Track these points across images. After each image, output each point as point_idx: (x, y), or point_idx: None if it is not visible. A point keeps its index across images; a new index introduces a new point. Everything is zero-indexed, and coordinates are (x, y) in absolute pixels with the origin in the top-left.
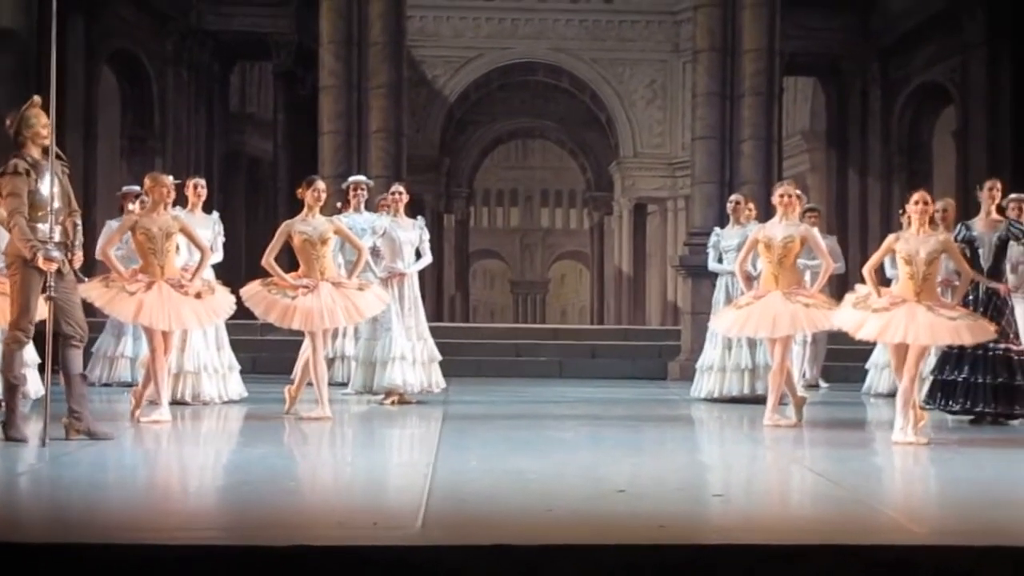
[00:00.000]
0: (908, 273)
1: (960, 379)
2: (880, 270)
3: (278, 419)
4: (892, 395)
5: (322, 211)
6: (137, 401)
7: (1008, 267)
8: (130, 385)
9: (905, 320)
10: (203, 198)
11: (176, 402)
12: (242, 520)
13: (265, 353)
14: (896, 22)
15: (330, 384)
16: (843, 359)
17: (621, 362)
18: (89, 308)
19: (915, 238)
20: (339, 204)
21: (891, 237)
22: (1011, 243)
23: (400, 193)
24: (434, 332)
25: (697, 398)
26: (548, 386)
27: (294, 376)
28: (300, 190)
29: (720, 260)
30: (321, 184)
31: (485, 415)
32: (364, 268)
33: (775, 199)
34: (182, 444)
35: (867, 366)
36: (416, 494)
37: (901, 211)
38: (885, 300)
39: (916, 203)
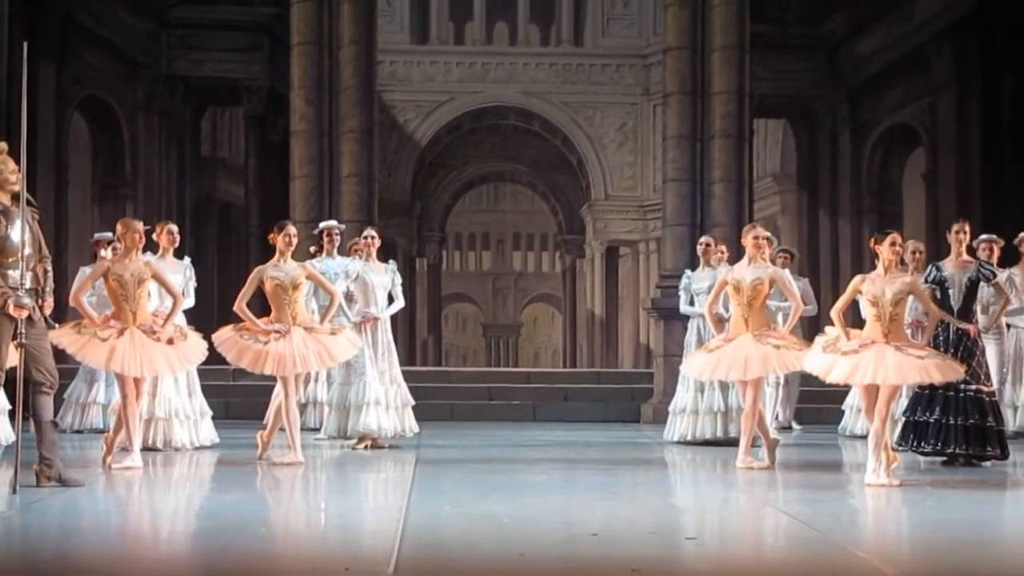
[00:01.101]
0: (874, 315)
1: (932, 420)
2: (856, 310)
3: (250, 464)
4: (866, 437)
5: (294, 256)
6: (108, 447)
7: (978, 308)
8: (102, 431)
9: (874, 361)
10: (175, 243)
11: (147, 448)
12: (214, 567)
13: (237, 398)
14: (865, 63)
15: (303, 429)
16: (816, 400)
17: (594, 405)
18: (61, 354)
19: (881, 279)
20: (311, 249)
21: (857, 279)
22: (981, 284)
23: (372, 237)
24: (407, 376)
25: (670, 441)
26: (521, 430)
27: (266, 421)
28: (272, 235)
29: (691, 303)
30: (293, 229)
31: (458, 459)
32: (337, 312)
33: (745, 241)
34: (153, 490)
35: (843, 407)
36: (389, 539)
37: (873, 248)
38: (854, 343)
39: (892, 244)
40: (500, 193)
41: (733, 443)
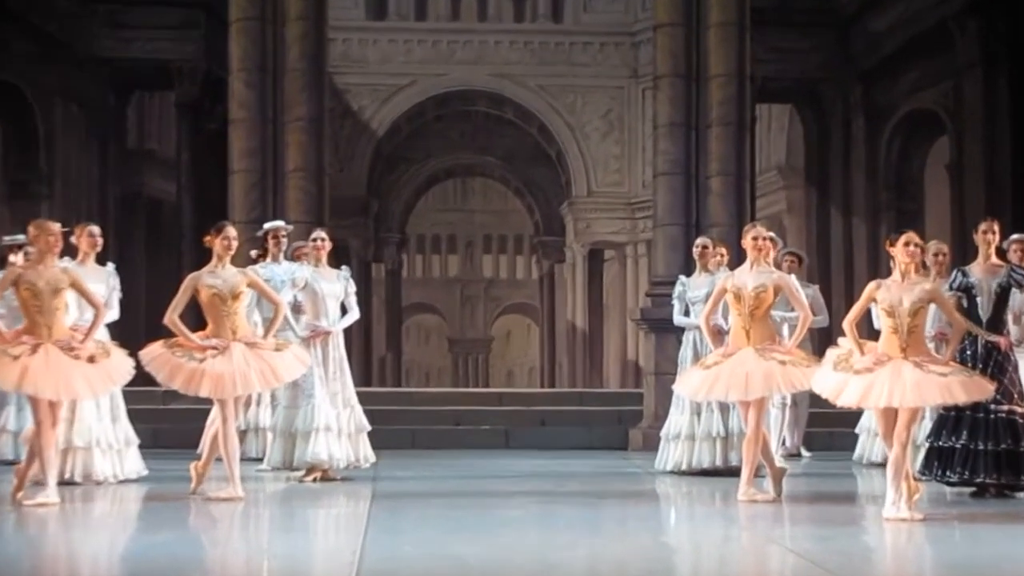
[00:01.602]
0: (891, 326)
1: (959, 446)
2: (869, 321)
3: (183, 500)
4: (885, 464)
5: (233, 261)
6: (20, 481)
7: (1010, 318)
8: (12, 463)
9: (890, 381)
10: (97, 247)
11: (65, 482)
12: None
13: (167, 425)
14: (880, 41)
15: (243, 459)
16: (828, 424)
17: (575, 430)
18: None
19: (898, 286)
20: (254, 253)
21: (872, 285)
22: (1013, 290)
23: (322, 240)
24: (362, 398)
25: (663, 471)
26: (492, 458)
27: (201, 450)
28: (208, 237)
29: (687, 313)
30: (232, 231)
31: (420, 492)
32: (282, 326)
33: (746, 242)
34: (71, 530)
35: (857, 431)
36: None
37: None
38: (868, 359)
39: (906, 245)
40: (468, 189)
41: (734, 473)
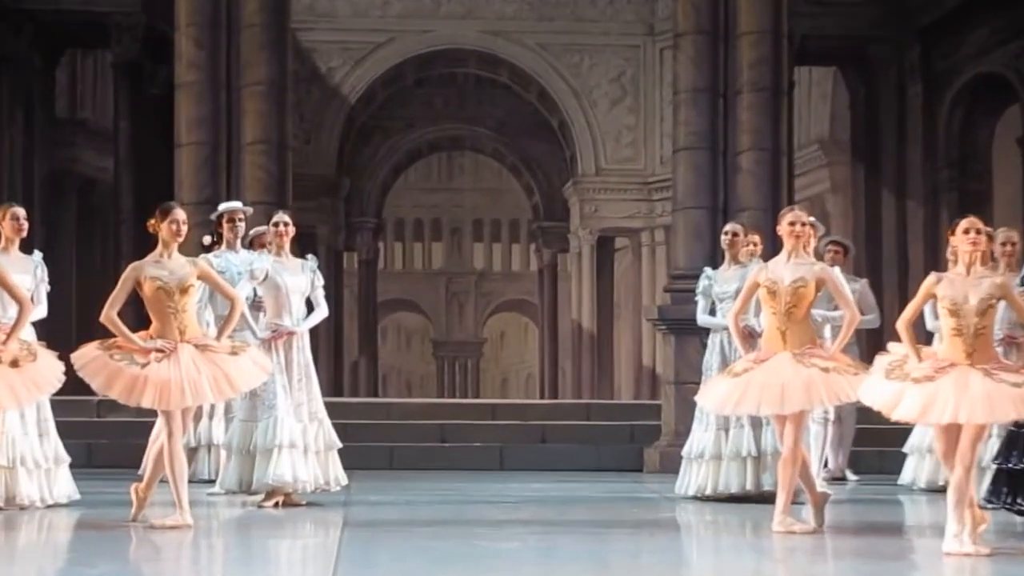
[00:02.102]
0: (954, 328)
1: None
2: (923, 322)
3: (122, 528)
4: (941, 490)
5: (182, 249)
6: None
7: None
8: None
9: (954, 392)
10: (21, 233)
11: None
12: None
13: (104, 440)
14: None
15: (193, 481)
16: (878, 442)
17: (582, 449)
18: None
19: (963, 280)
20: (206, 240)
21: (931, 279)
22: None
23: (285, 225)
24: (332, 410)
25: (684, 496)
26: (484, 481)
27: (143, 471)
28: (152, 222)
29: (712, 311)
30: (180, 213)
31: (399, 521)
32: (239, 325)
33: (782, 229)
34: None
35: (906, 450)
36: None
37: (949, 244)
38: (927, 365)
39: (965, 232)
40: (456, 166)
41: (768, 499)
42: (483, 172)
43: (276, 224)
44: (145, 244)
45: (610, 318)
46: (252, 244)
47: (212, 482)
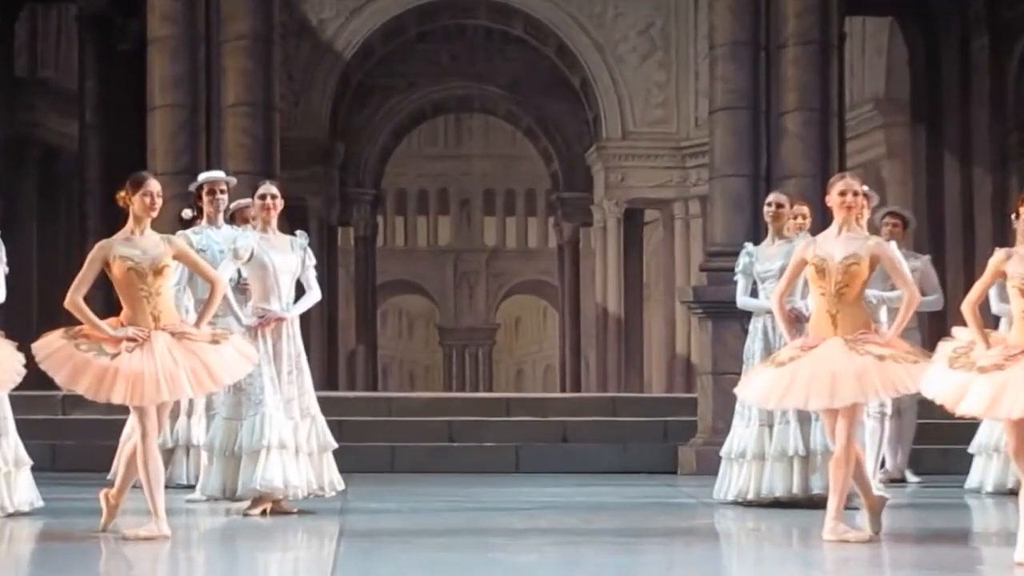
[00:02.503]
0: None
1: None
2: (986, 305)
3: (90, 540)
4: (1012, 492)
5: (156, 225)
6: None
7: None
8: None
9: None
10: None
11: None
12: None
13: (70, 441)
14: None
15: (170, 486)
16: (941, 439)
17: (608, 449)
18: None
19: None
20: (185, 214)
21: (999, 255)
22: None
23: (273, 197)
24: (326, 406)
25: (723, 501)
26: (497, 485)
27: (114, 475)
28: (122, 194)
29: (754, 292)
30: (155, 185)
31: (402, 531)
32: (221, 310)
33: (832, 199)
34: None
35: (972, 449)
36: None
37: (1014, 215)
38: (996, 353)
39: None
40: (464, 130)
41: (818, 504)
42: (495, 137)
43: (262, 196)
44: (114, 219)
45: (639, 301)
46: (234, 218)
47: (192, 487)
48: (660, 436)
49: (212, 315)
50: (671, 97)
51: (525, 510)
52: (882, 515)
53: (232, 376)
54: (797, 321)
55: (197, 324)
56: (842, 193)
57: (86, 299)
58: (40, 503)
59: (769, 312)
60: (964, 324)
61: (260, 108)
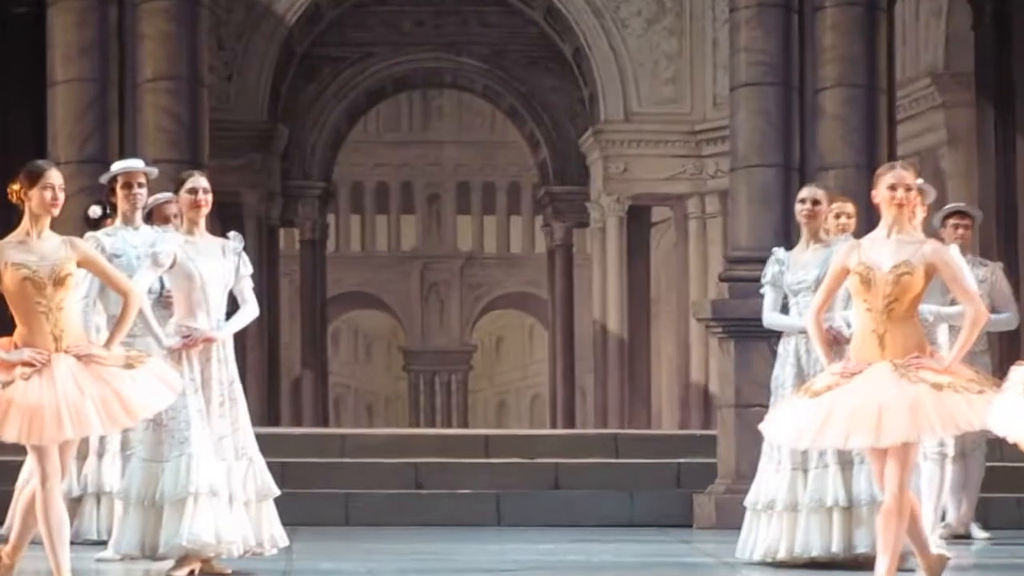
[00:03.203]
0: None
1: None
2: None
3: None
4: None
5: (57, 226)
6: None
7: None
8: None
9: None
10: None
11: None
12: None
13: None
14: None
15: (76, 543)
16: (1015, 487)
17: (609, 497)
18: None
19: None
20: (93, 212)
21: None
22: None
23: (205, 192)
24: (266, 445)
25: (749, 561)
26: (474, 542)
27: (8, 528)
28: (15, 188)
29: (785, 308)
30: (56, 176)
31: None
32: (138, 329)
33: (880, 194)
34: None
35: None
36: None
37: None
38: None
39: None
40: (434, 111)
41: (864, 565)
42: (471, 119)
43: (192, 190)
44: (8, 220)
45: (646, 318)
46: (151, 217)
47: (103, 543)
48: (672, 482)
49: (126, 334)
50: (683, 71)
51: (508, 572)
52: None
53: (151, 409)
54: (836, 342)
55: (107, 345)
56: (892, 187)
57: None
58: None
59: (803, 331)
60: None
61: (184, 83)
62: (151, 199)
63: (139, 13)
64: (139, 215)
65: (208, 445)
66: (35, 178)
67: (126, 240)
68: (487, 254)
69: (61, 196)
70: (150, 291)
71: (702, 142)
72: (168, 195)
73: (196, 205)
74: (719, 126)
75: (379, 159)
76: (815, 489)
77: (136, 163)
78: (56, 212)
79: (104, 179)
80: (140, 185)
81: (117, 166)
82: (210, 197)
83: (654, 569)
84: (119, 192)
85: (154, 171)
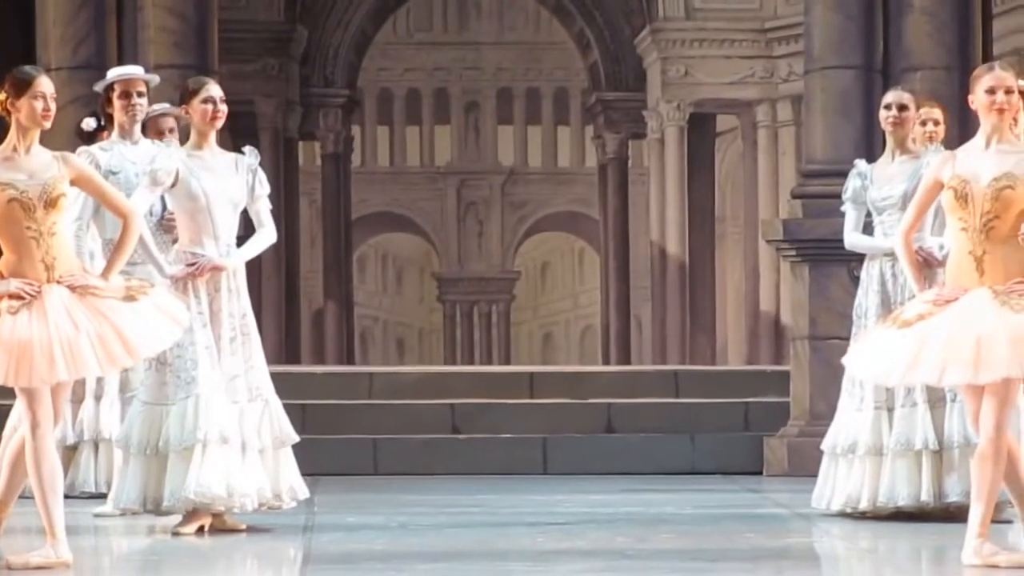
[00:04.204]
0: None
1: None
2: None
3: None
4: None
5: (49, 139)
6: None
7: None
8: None
9: None
10: None
11: None
12: None
13: None
14: None
15: (71, 496)
16: None
17: (668, 441)
18: None
19: None
20: (85, 124)
21: None
22: None
23: (212, 103)
24: (283, 385)
25: (826, 512)
26: (519, 492)
27: None
28: (1, 98)
29: (868, 227)
30: (47, 84)
31: (388, 554)
32: (138, 256)
33: (977, 99)
34: None
35: None
36: None
37: None
38: None
39: None
40: (471, 7)
41: (955, 516)
42: (512, 16)
43: (208, 99)
44: None
45: (709, 239)
46: (144, 130)
47: (102, 497)
48: (739, 424)
49: (125, 261)
50: None
51: (557, 525)
52: None
53: (154, 346)
54: (928, 266)
55: (105, 274)
56: (991, 91)
57: None
58: None
59: (889, 254)
60: None
61: None
62: (152, 109)
63: None
64: (138, 128)
65: (218, 386)
66: (23, 86)
67: (123, 155)
68: (531, 169)
69: (53, 106)
70: (150, 213)
71: (772, 41)
72: (164, 106)
73: (213, 117)
74: (792, 23)
75: (409, 63)
76: (902, 430)
77: (135, 69)
78: (48, 124)
79: (99, 87)
80: (140, 94)
81: (113, 72)
82: (222, 110)
83: (719, 522)
84: (116, 102)
85: (155, 78)
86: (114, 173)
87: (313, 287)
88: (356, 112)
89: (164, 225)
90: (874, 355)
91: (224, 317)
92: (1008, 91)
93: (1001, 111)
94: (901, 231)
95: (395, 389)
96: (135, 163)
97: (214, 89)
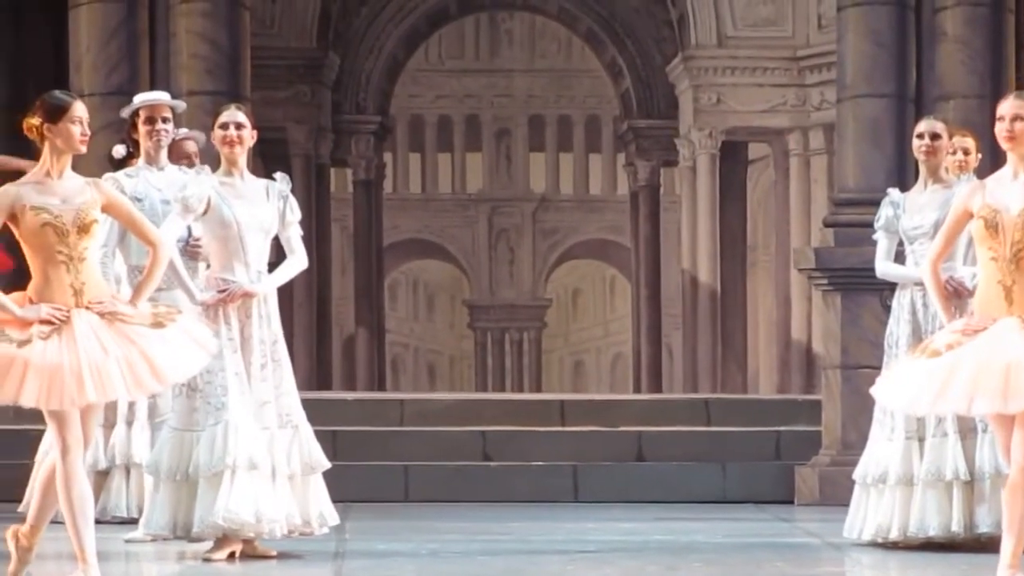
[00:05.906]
0: None
1: None
2: None
3: None
4: None
5: (81, 165)
6: None
7: None
8: None
9: None
10: None
11: None
12: None
13: None
14: None
15: (102, 522)
16: None
17: (699, 470)
18: None
19: None
20: (116, 152)
21: None
22: None
23: (238, 127)
24: (314, 412)
25: (857, 541)
26: (549, 519)
27: (26, 506)
28: (33, 122)
29: (900, 256)
30: (82, 109)
31: None
32: (167, 281)
33: (1005, 128)
34: None
35: None
36: None
37: None
38: None
39: None
40: (503, 36)
41: (987, 547)
42: (545, 44)
43: (223, 125)
44: (24, 156)
45: (741, 268)
46: (169, 153)
47: (134, 522)
48: (771, 453)
49: (153, 289)
50: None
51: (587, 553)
52: None
53: (183, 372)
54: (957, 295)
55: (133, 300)
56: (1001, 119)
57: None
58: None
59: (919, 283)
60: None
61: (223, 5)
62: (177, 133)
63: None
64: (163, 154)
65: (248, 412)
66: (60, 111)
67: (149, 182)
68: (563, 196)
69: (86, 134)
70: (179, 239)
71: (805, 69)
72: (184, 131)
73: (228, 143)
74: (824, 51)
75: (441, 90)
76: (932, 460)
77: (160, 95)
78: (84, 149)
79: (125, 113)
80: (165, 120)
81: (139, 98)
82: (245, 133)
83: (750, 551)
84: (141, 128)
85: (181, 104)
86: (139, 200)
87: (344, 314)
88: (387, 139)
89: (189, 251)
90: (904, 384)
91: (255, 343)
92: (1020, 119)
93: (1011, 139)
94: (929, 260)
95: (426, 416)
96: (160, 190)
97: (233, 115)
